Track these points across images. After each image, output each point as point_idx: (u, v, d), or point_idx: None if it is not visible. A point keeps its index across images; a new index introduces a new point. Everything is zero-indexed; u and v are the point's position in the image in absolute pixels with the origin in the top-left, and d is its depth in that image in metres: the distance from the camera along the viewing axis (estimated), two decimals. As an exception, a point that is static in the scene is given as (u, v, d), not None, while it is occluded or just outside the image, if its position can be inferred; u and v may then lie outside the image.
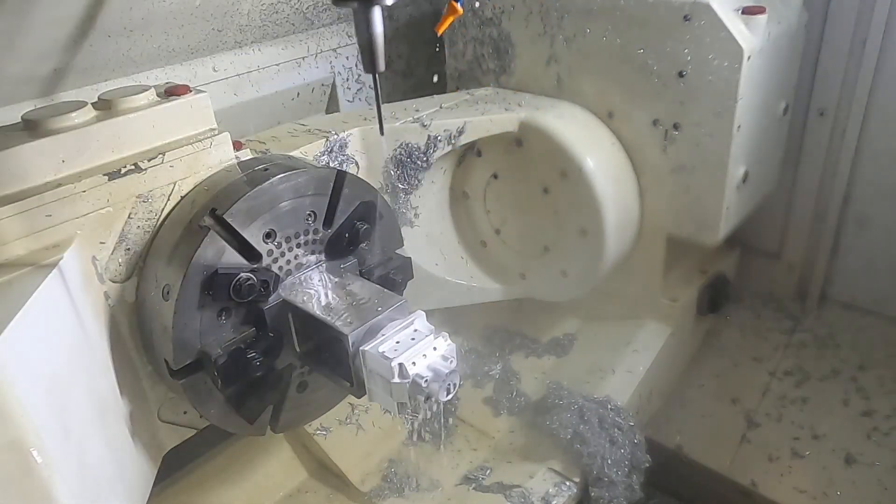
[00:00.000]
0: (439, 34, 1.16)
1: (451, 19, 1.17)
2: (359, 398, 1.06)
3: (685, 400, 2.05)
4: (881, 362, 2.11)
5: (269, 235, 1.06)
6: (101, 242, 0.98)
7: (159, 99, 1.07)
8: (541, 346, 2.00)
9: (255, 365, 1.04)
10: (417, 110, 1.68)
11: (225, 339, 1.03)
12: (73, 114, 0.97)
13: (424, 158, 1.61)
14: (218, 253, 0.99)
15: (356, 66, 2.10)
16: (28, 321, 0.76)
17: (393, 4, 0.75)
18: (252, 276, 1.02)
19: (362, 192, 1.18)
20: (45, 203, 0.91)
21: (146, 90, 1.06)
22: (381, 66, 0.76)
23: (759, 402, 2.03)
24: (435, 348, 0.99)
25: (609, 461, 1.57)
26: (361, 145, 1.50)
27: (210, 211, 0.99)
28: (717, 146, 1.63)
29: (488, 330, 2.11)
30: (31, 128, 0.95)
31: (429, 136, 1.60)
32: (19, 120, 0.98)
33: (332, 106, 2.10)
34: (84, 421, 0.86)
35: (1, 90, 1.26)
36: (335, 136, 1.44)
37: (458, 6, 1.18)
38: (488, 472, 1.63)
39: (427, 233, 1.79)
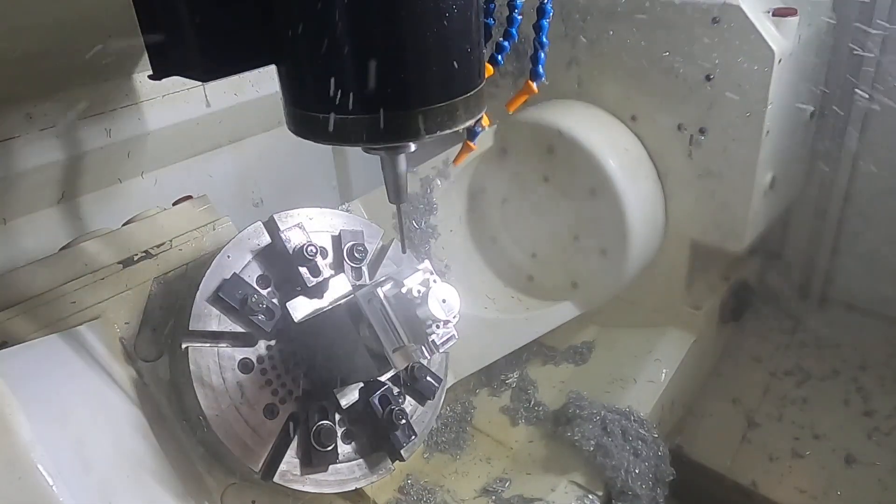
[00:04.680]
0: (510, 112, 1.22)
1: (524, 98, 1.19)
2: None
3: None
4: (881, 362, 2.13)
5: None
6: (126, 323, 1.07)
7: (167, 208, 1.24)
8: (558, 354, 1.96)
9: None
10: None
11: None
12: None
13: (425, 201, 1.72)
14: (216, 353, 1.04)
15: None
16: (35, 353, 0.92)
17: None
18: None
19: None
20: (70, 292, 1.04)
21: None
22: (405, 198, 0.90)
23: (760, 402, 2.04)
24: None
25: (633, 474, 1.54)
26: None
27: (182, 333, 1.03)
28: (745, 151, 1.61)
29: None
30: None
31: (420, 179, 1.71)
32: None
33: (331, 106, 2.07)
34: (109, 465, 0.91)
35: (1, 90, 1.28)
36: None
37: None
38: (507, 484, 1.60)
39: (468, 286, 1.83)
